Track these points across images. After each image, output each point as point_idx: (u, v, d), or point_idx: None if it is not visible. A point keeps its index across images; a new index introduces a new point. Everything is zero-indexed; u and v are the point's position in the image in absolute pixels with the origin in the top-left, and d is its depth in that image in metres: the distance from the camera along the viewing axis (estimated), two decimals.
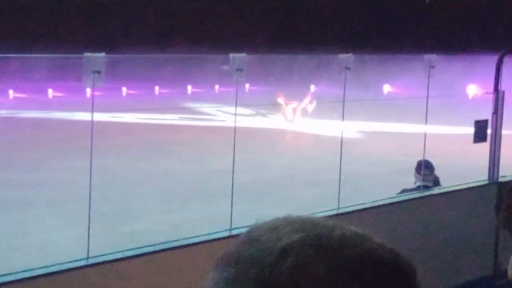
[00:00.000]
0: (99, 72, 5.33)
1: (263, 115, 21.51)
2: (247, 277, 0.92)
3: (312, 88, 28.40)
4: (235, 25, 31.05)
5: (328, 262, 0.92)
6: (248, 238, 0.97)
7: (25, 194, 11.93)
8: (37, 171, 13.63)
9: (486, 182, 8.17)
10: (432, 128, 9.24)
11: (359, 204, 7.07)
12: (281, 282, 0.90)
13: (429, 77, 7.95)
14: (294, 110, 21.46)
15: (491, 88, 8.42)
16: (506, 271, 5.50)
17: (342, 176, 7.47)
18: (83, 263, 5.13)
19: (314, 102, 21.27)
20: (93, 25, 26.95)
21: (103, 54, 5.44)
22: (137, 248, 5.36)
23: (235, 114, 7.29)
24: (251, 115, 20.54)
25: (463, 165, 12.80)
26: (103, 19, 27.31)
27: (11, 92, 24.21)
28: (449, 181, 8.38)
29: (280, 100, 21.44)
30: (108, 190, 11.28)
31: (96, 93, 5.81)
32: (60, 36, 25.80)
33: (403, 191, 8.00)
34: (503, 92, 8.34)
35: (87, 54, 5.40)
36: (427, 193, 7.78)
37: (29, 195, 11.91)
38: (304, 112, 21.61)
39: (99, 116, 6.24)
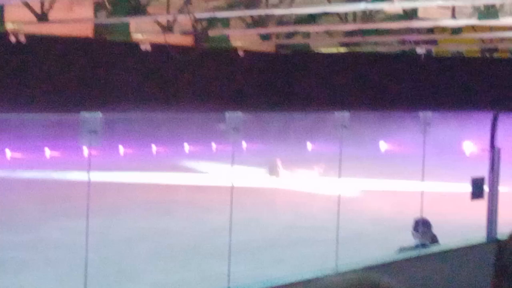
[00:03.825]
0: (95, 132, 5.34)
1: (260, 173, 21.45)
2: None
3: (309, 146, 28.46)
4: (230, 84, 31.23)
5: None
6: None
7: (20, 255, 11.84)
8: (33, 232, 13.55)
9: (484, 240, 8.14)
10: (429, 185, 9.21)
11: (357, 263, 7.02)
12: None
13: (424, 134, 7.97)
14: (292, 173, 21.31)
15: (486, 144, 8.44)
16: None
17: (339, 235, 7.43)
18: None
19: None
20: (90, 84, 27.07)
21: (99, 114, 5.45)
22: None
23: (232, 173, 7.29)
24: (248, 173, 20.50)
25: (461, 222, 12.75)
26: (100, 78, 27.45)
27: (7, 151, 24.20)
28: (447, 238, 8.34)
29: (279, 163, 21.34)
30: (104, 250, 11.21)
31: (93, 152, 5.82)
32: (57, 95, 25.89)
33: (401, 249, 7.96)
34: (499, 150, 8.36)
35: (83, 114, 5.41)
36: (425, 251, 7.74)
37: (24, 256, 11.82)
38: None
39: (96, 176, 6.24)
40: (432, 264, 7.57)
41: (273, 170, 21.35)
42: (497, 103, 19.73)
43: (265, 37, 28.62)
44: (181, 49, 25.51)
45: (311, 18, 28.35)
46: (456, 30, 24.12)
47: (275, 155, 22.23)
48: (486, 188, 8.25)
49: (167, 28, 23.78)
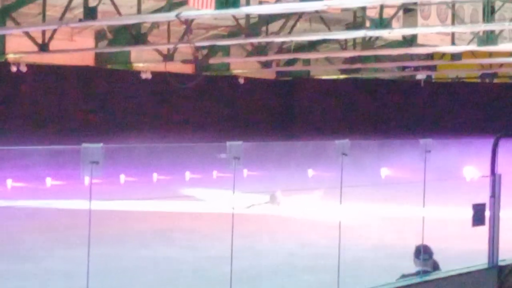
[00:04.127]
0: (97, 163, 5.35)
1: (261, 201, 21.42)
2: None
3: (310, 172, 28.47)
4: (231, 111, 31.31)
5: None
6: None
7: (22, 285, 11.83)
8: (34, 261, 13.54)
9: (486, 266, 8.13)
10: (430, 212, 9.23)
11: None
12: None
13: (425, 161, 7.99)
14: (293, 200, 21.29)
15: (487, 170, 8.45)
16: None
17: (340, 262, 7.43)
18: None
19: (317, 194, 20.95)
20: (91, 113, 27.15)
21: (100, 144, 5.47)
22: None
23: (233, 201, 7.30)
24: (248, 201, 20.48)
25: (462, 248, 12.74)
26: (101, 107, 27.53)
27: (9, 181, 24.21)
28: (449, 265, 8.33)
29: (279, 195, 21.31)
30: (106, 279, 11.18)
31: (94, 180, 5.82)
32: (59, 125, 25.97)
33: (403, 276, 7.94)
34: (500, 176, 8.36)
35: (85, 145, 5.42)
36: (426, 278, 7.72)
37: (25, 285, 11.80)
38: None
39: (97, 205, 6.26)
40: None
41: (273, 201, 21.35)
42: (497, 128, 19.79)
43: (266, 65, 28.76)
44: (181, 78, 25.64)
45: (311, 46, 28.52)
46: (456, 56, 24.24)
47: (276, 183, 22.22)
48: (487, 214, 8.26)
49: (168, 57, 23.92)
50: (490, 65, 29.02)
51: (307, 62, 31.23)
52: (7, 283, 11.86)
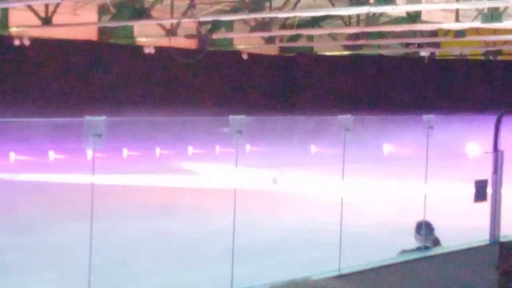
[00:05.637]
0: (99, 135, 5.36)
1: (263, 177, 21.45)
2: None
3: (313, 148, 28.48)
4: (234, 86, 31.25)
5: None
6: None
7: (25, 258, 11.88)
8: (37, 234, 13.59)
9: (487, 242, 8.16)
10: (432, 188, 9.21)
11: (360, 265, 7.04)
12: None
13: (427, 137, 7.99)
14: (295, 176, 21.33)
15: (490, 146, 8.46)
16: None
17: (342, 237, 7.45)
18: None
19: None
20: (94, 87, 27.12)
21: (103, 117, 5.48)
22: None
23: (235, 176, 7.31)
24: (251, 176, 20.50)
25: (464, 225, 12.76)
26: (104, 82, 27.49)
27: (12, 154, 24.23)
28: (450, 241, 8.36)
29: (277, 177, 21.34)
30: (108, 253, 11.23)
31: (97, 154, 5.83)
32: (61, 98, 25.94)
33: (403, 251, 7.98)
34: (502, 152, 8.38)
35: (87, 118, 5.43)
36: (427, 253, 7.75)
37: (28, 258, 11.86)
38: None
39: (100, 178, 6.28)
40: (435, 266, 7.59)
41: (274, 181, 21.38)
42: (500, 105, 19.74)
43: (269, 40, 28.66)
44: (185, 52, 25.58)
45: (315, 21, 28.40)
46: (460, 33, 24.12)
47: (279, 158, 22.23)
48: (489, 190, 8.28)
49: (171, 32, 23.84)
50: (494, 43, 28.91)
51: (310, 38, 31.11)
52: (11, 256, 11.91)
